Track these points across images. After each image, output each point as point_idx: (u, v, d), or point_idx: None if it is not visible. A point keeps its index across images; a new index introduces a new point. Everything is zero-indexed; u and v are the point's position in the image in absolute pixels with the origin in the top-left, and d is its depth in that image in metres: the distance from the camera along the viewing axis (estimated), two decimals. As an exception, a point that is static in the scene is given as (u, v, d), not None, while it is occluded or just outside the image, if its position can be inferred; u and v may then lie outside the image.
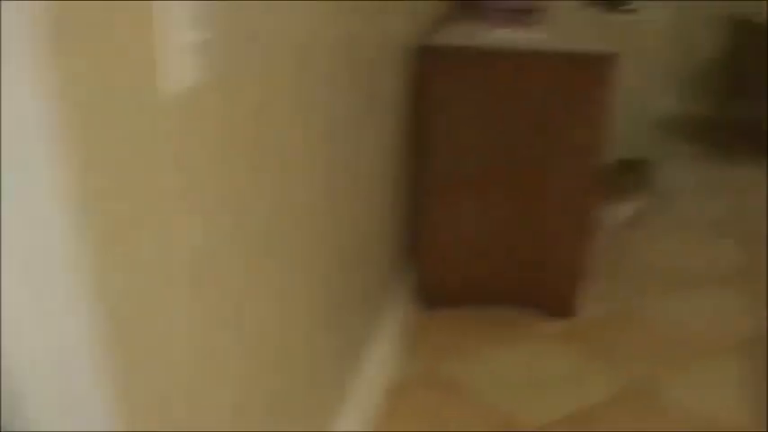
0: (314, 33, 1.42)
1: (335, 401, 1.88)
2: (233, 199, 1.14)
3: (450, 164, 2.53)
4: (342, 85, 1.63)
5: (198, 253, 1.05)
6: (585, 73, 2.35)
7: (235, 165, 1.13)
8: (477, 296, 2.75)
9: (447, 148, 2.50)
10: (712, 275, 3.14)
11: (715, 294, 3.02)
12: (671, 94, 5.18)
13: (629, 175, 3.38)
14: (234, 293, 1.19)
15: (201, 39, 0.96)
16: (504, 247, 2.64)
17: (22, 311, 0.72)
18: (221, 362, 1.18)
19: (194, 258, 1.04)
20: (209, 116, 1.03)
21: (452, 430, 2.17)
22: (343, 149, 1.69)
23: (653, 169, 3.56)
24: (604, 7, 3.61)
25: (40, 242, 0.72)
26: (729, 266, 3.22)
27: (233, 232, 1.16)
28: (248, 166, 1.18)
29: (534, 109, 2.43)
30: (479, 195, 2.57)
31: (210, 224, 1.08)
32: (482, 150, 2.50)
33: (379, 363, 2.25)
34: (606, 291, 2.97)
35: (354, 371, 2.05)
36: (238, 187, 1.15)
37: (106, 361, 0.86)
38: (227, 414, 1.22)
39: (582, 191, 2.50)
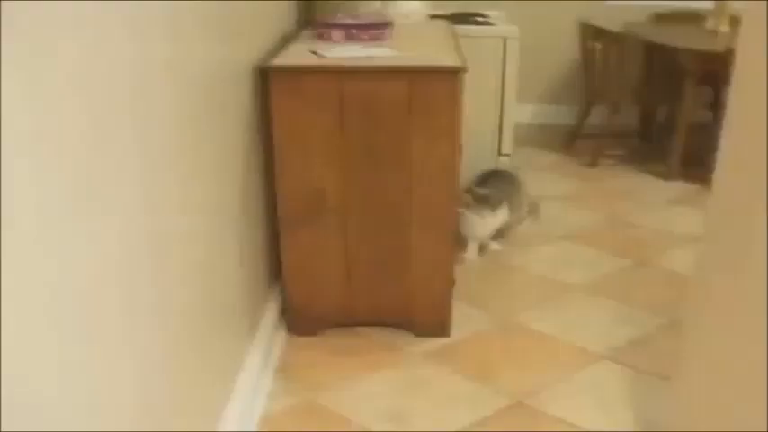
0: (146, 57, 1.38)
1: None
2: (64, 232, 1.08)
3: (305, 186, 2.48)
4: (179, 113, 1.58)
5: (41, 291, 1.01)
6: (434, 87, 2.35)
7: (57, 195, 1.05)
8: (348, 320, 2.69)
9: (300, 170, 2.45)
10: (585, 285, 3.11)
11: (589, 304, 2.98)
12: (531, 104, 5.28)
13: (495, 186, 3.34)
14: (87, 320, 1.16)
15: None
16: (370, 269, 2.60)
17: None
18: (83, 387, 1.15)
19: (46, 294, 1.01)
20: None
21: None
22: (187, 175, 1.64)
23: (518, 180, 3.48)
24: (457, 20, 3.57)
25: None
26: (601, 275, 3.20)
27: (69, 262, 1.10)
28: (76, 196, 1.11)
29: (385, 126, 2.41)
30: (339, 217, 2.52)
31: (53, 258, 1.05)
32: (337, 171, 2.46)
33: (251, 393, 2.20)
34: (480, 306, 2.92)
35: (225, 401, 1.99)
36: (71, 221, 1.10)
37: None
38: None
39: (442, 206, 2.48)
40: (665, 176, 4.35)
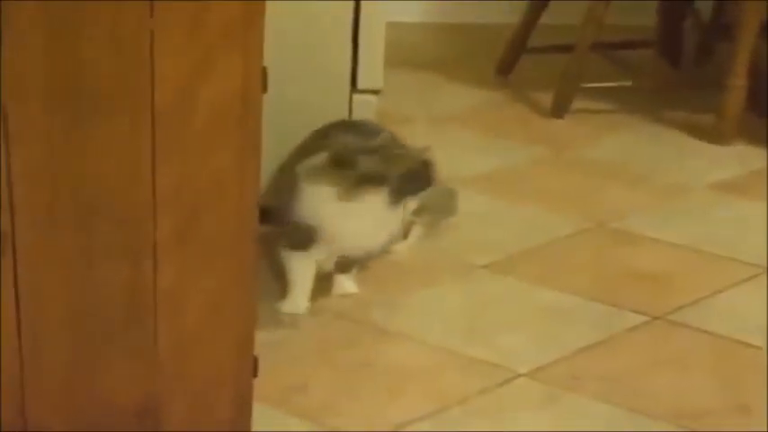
0: None
1: None
2: None
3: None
4: None
5: None
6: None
7: None
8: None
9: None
10: (542, 375, 2.59)
11: (551, 419, 2.52)
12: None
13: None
14: None
15: None
16: (71, 343, 2.13)
17: None
18: None
19: None
20: None
21: None
22: None
23: (399, 145, 3.00)
24: None
25: None
26: (572, 352, 2.65)
27: None
28: None
29: (101, 42, 2.17)
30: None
31: None
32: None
33: None
34: (315, 419, 2.38)
35: None
36: None
37: None
38: None
39: (230, 198, 2.10)
40: (713, 135, 3.69)
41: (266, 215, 2.69)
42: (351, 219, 2.69)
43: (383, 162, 2.71)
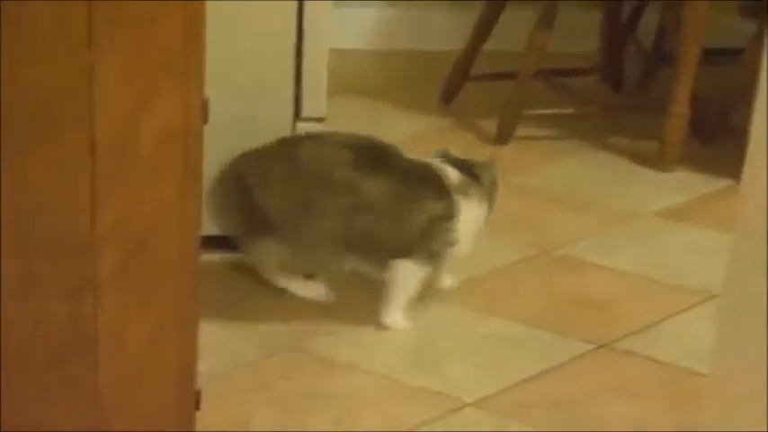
0: None
1: None
2: None
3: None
4: None
5: None
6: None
7: None
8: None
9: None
10: (493, 404, 2.67)
11: None
12: (372, 9, 4.84)
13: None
14: None
15: None
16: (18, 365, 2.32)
17: None
18: None
19: None
20: None
21: None
22: None
23: None
24: None
25: None
26: (520, 381, 2.70)
27: None
28: None
29: (34, 72, 2.22)
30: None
31: None
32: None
33: None
34: None
35: None
36: None
37: None
38: None
39: (170, 229, 2.17)
40: (656, 161, 3.67)
41: (219, 243, 2.78)
42: (474, 228, 2.77)
43: (485, 175, 2.88)
